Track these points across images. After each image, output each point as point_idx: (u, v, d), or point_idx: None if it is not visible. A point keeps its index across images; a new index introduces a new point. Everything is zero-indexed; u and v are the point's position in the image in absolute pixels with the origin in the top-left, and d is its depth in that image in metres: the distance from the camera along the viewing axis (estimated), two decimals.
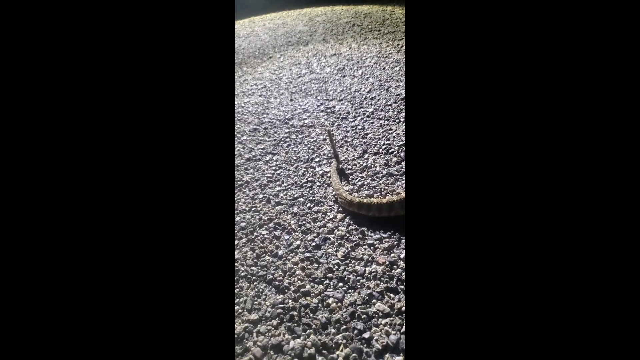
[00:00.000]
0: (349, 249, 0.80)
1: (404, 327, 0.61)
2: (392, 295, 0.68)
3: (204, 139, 0.38)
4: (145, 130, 0.37)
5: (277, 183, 1.08)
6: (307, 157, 1.19)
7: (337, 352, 0.60)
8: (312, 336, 0.63)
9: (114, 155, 0.37)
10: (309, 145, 1.25)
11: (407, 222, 0.37)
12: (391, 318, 0.64)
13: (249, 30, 3.39)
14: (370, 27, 2.62)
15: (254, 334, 0.65)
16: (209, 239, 0.37)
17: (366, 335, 0.62)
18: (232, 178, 0.39)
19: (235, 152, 1.30)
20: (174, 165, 0.37)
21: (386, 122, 1.29)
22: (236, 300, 0.73)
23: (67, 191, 0.35)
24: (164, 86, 0.38)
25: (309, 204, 0.97)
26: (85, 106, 0.36)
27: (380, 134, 1.23)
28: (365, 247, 0.80)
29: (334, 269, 0.76)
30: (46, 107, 0.35)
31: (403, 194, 0.84)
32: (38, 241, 0.34)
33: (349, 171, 1.07)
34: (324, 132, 1.31)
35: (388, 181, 0.99)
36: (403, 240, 0.79)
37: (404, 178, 0.99)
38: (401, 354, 0.58)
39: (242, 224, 0.94)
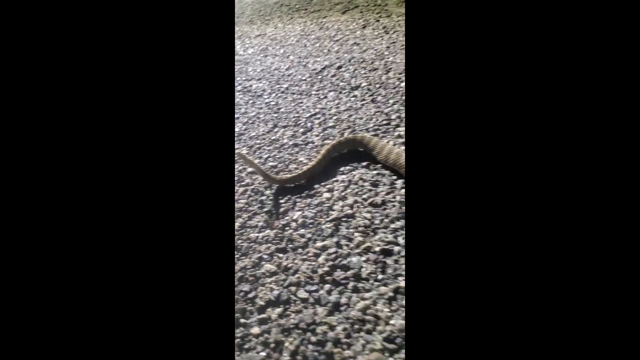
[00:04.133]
0: (246, 219, 0.80)
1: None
2: (281, 255, 0.70)
3: (203, 134, 0.37)
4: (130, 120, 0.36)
5: None
6: None
7: None
8: None
9: (113, 149, 0.36)
10: None
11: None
12: (277, 276, 0.66)
13: None
14: (297, 6, 2.59)
15: None
16: (206, 233, 0.36)
17: (251, 295, 0.63)
18: (232, 170, 0.38)
19: None
20: (167, 156, 0.37)
21: (298, 96, 1.30)
22: None
23: (59, 179, 0.35)
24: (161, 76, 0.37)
25: None
26: (78, 89, 0.36)
27: (291, 108, 1.23)
28: (262, 214, 0.81)
29: None
30: (40, 102, 0.35)
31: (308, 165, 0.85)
32: (39, 241, 0.34)
33: (258, 146, 1.07)
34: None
35: (293, 151, 1.01)
36: (298, 203, 0.81)
37: (308, 147, 1.01)
38: (280, 306, 0.60)
39: None
